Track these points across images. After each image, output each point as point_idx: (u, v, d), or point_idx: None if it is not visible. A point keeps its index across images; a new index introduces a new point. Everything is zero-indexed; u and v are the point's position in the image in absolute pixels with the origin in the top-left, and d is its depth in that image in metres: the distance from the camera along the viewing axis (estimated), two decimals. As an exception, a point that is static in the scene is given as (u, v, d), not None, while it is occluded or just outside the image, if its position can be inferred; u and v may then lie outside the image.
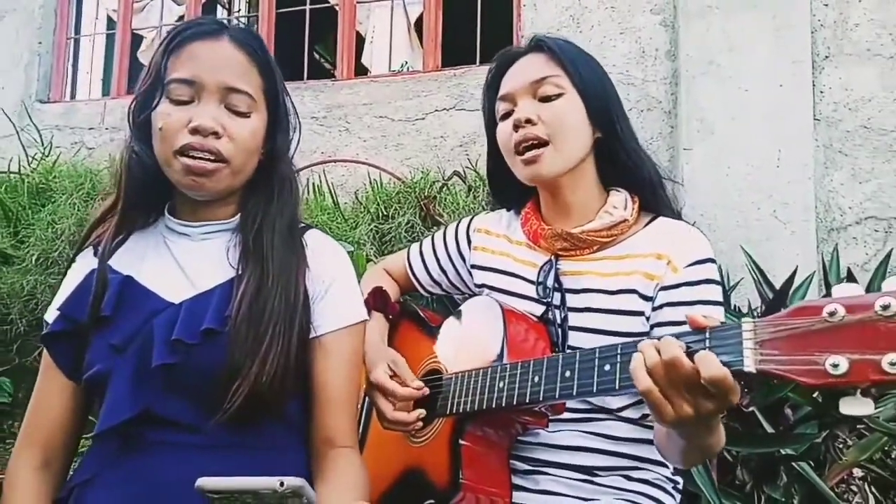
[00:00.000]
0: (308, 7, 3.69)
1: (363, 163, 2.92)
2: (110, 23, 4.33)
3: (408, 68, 3.75)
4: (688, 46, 2.84)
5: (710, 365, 0.75)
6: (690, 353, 0.77)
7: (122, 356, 0.99)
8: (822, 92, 2.76)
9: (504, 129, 1.18)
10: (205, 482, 0.72)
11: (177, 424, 0.98)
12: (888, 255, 1.91)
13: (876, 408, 1.74)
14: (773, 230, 2.62)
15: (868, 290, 1.82)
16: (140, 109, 1.04)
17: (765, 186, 2.66)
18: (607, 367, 0.90)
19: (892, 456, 1.81)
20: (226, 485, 0.71)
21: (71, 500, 1.01)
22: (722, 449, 1.55)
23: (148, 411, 0.96)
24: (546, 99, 1.14)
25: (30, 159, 3.03)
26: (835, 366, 0.68)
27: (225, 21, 1.11)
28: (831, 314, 0.69)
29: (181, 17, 3.94)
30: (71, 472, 1.09)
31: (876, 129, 2.71)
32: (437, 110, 3.20)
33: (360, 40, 3.81)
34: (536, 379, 0.99)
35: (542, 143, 1.13)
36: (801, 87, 2.71)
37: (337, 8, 3.63)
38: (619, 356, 0.89)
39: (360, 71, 3.81)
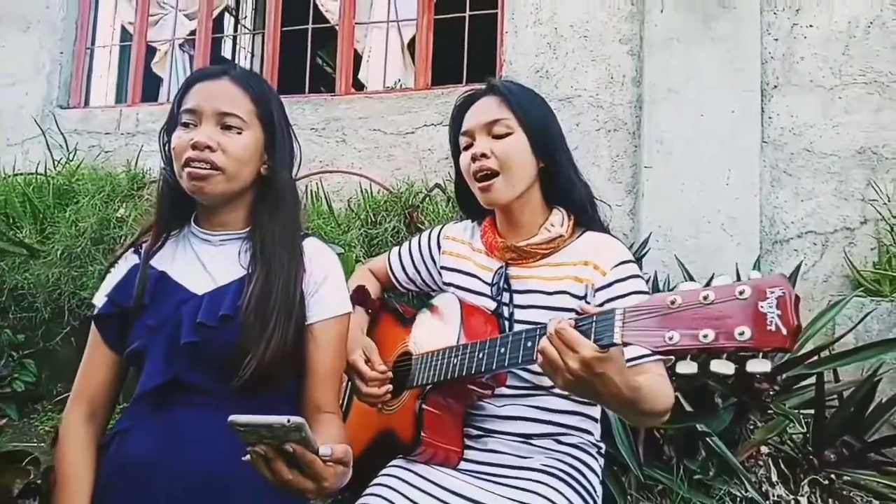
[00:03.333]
0: (311, 26, 3.95)
1: (356, 174, 3.18)
2: (124, 34, 4.59)
3: (400, 85, 3.98)
4: (651, 74, 3.13)
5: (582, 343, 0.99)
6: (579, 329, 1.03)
7: (157, 335, 1.19)
8: (770, 118, 3.05)
9: (464, 160, 1.42)
10: (235, 418, 0.89)
11: (198, 389, 1.18)
12: (797, 268, 2.19)
13: (784, 398, 2.04)
14: (721, 241, 2.92)
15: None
16: (166, 137, 1.30)
17: (715, 202, 2.95)
18: (529, 344, 1.16)
19: (809, 440, 2.09)
20: (250, 420, 0.89)
21: (113, 445, 1.22)
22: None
23: (176, 379, 1.17)
24: (498, 137, 1.38)
25: (55, 162, 3.28)
26: (670, 338, 0.91)
27: (230, 66, 1.35)
28: (673, 302, 0.93)
29: (193, 32, 4.21)
30: (111, 425, 1.32)
31: (817, 152, 3.01)
32: (425, 125, 3.47)
33: (357, 57, 4.07)
34: (480, 355, 1.24)
35: (494, 174, 1.37)
36: (751, 113, 3.01)
37: (337, 27, 3.89)
38: (537, 336, 1.14)
39: (357, 86, 4.07)
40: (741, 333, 0.84)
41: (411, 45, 3.92)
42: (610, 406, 1.13)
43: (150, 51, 4.48)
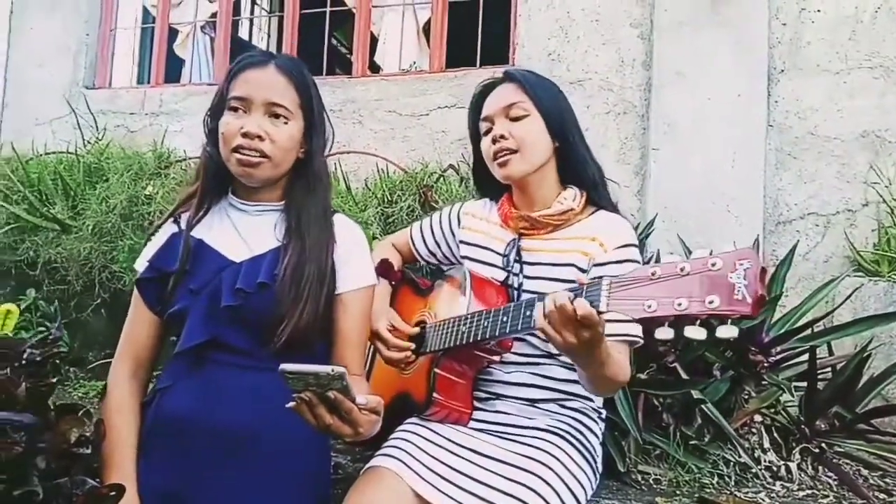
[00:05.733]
0: (328, 9, 4.03)
1: (372, 154, 3.28)
2: (146, 16, 4.70)
3: (415, 68, 4.05)
4: (660, 58, 3.20)
5: (582, 306, 1.08)
6: (572, 300, 1.12)
7: (198, 298, 1.29)
8: (776, 101, 3.12)
9: (485, 143, 1.52)
10: (285, 366, 0.97)
11: (235, 350, 1.28)
12: (794, 248, 2.28)
13: (779, 370, 2.15)
14: (725, 222, 3.00)
15: (773, 278, 2.16)
16: (211, 120, 1.40)
17: (721, 183, 3.03)
18: (528, 313, 1.25)
19: (802, 410, 2.19)
20: (297, 368, 0.98)
21: (155, 402, 1.32)
22: (646, 393, 1.96)
23: (215, 339, 1.27)
24: (516, 119, 1.48)
25: (85, 141, 3.41)
26: (649, 307, 0.99)
27: (272, 52, 1.43)
28: (653, 274, 1.00)
29: (214, 14, 4.30)
30: (153, 382, 1.42)
31: (821, 136, 3.07)
32: (439, 107, 3.56)
33: (373, 40, 4.15)
34: (485, 323, 1.33)
35: (512, 152, 1.47)
36: (758, 96, 3.07)
37: (354, 10, 3.97)
38: (535, 305, 1.24)
39: (373, 68, 4.15)
40: (711, 301, 0.92)
41: (426, 28, 3.99)
42: (588, 363, 1.23)
43: (172, 32, 4.58)
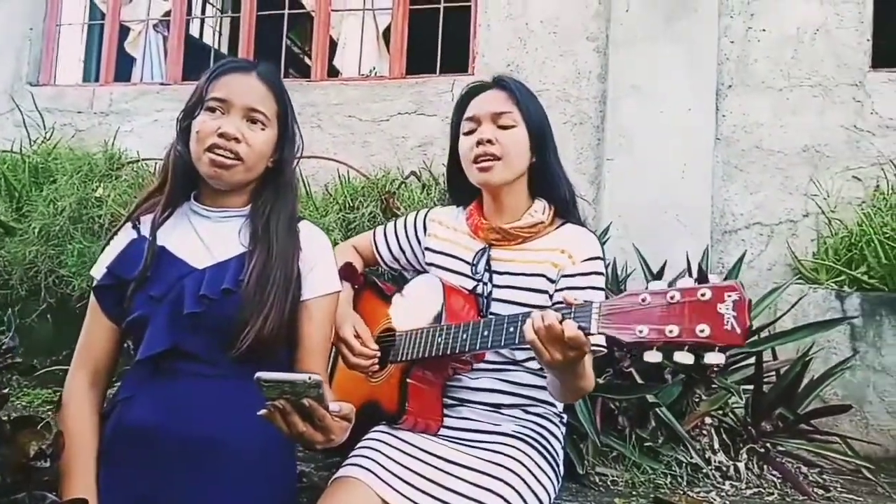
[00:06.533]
0: (286, 11, 3.99)
1: (334, 160, 3.27)
2: (93, 11, 4.54)
3: (375, 73, 4.06)
4: (616, 71, 3.30)
5: (570, 328, 1.12)
6: (561, 321, 1.15)
7: (159, 305, 1.27)
8: (724, 116, 3.26)
9: (467, 142, 1.53)
10: (261, 374, 0.97)
11: (198, 358, 1.26)
12: (741, 258, 2.40)
13: (727, 374, 2.25)
14: (675, 231, 3.12)
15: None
16: (184, 118, 1.38)
17: (671, 194, 3.14)
18: (511, 329, 1.27)
19: (748, 412, 2.30)
20: (273, 377, 0.98)
21: (115, 413, 1.29)
22: (603, 397, 2.02)
23: (177, 347, 1.24)
24: (503, 127, 1.50)
25: (31, 141, 3.28)
26: (640, 331, 1.01)
27: (252, 60, 1.44)
28: (643, 300, 1.04)
29: (167, 13, 4.19)
30: (111, 392, 1.39)
31: (766, 149, 3.23)
32: (399, 113, 3.56)
33: (332, 44, 4.12)
34: (464, 336, 1.33)
35: (496, 159, 1.49)
36: (707, 111, 3.20)
37: (312, 13, 3.94)
38: (519, 321, 1.26)
39: (332, 73, 4.12)
40: (702, 331, 0.97)
41: (386, 33, 3.99)
42: (566, 377, 1.27)
43: (123, 30, 4.44)
